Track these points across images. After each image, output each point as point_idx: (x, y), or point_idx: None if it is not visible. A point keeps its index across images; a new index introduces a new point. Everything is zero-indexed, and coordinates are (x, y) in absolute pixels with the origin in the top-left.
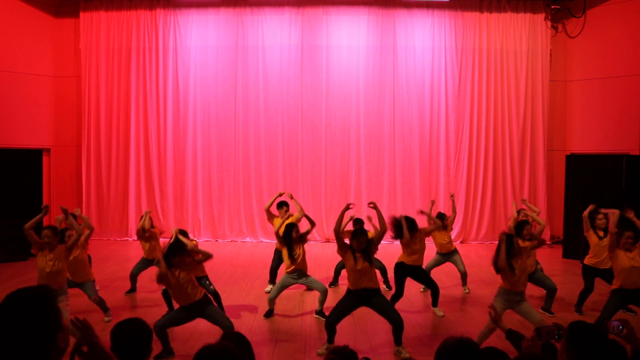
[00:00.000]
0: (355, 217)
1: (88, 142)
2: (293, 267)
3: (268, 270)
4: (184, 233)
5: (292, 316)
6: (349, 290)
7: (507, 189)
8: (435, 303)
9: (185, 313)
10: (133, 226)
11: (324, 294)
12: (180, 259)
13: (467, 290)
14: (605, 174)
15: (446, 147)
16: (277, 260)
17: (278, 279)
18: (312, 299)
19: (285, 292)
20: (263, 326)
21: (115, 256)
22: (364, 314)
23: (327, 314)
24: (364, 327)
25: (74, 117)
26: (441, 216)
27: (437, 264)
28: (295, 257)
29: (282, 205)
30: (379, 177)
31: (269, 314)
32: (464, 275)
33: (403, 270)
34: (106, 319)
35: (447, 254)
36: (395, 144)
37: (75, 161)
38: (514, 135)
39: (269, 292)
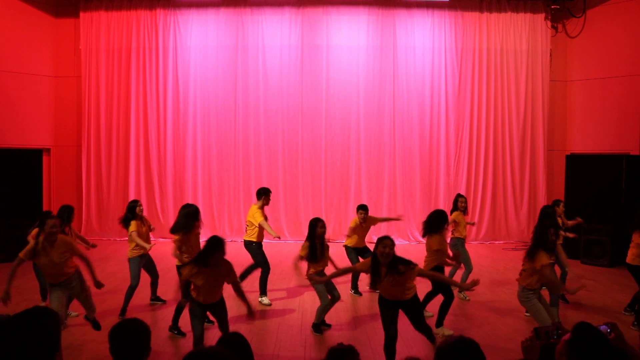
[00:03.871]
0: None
1: (88, 142)
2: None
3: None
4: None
5: (291, 316)
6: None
7: (507, 189)
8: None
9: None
10: None
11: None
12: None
13: (466, 297)
14: (605, 174)
15: (446, 147)
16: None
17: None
18: (313, 298)
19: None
20: (262, 326)
21: (115, 256)
22: (365, 315)
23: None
24: (364, 327)
25: (74, 117)
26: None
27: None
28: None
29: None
30: (379, 177)
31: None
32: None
33: None
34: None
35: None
36: (395, 144)
37: (75, 161)
38: (514, 135)
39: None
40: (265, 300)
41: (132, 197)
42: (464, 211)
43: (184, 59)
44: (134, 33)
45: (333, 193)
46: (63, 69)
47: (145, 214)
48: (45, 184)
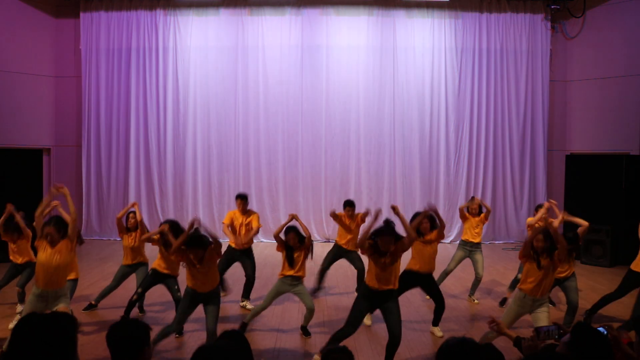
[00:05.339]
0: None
1: (88, 142)
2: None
3: (268, 270)
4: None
5: (291, 316)
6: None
7: (507, 189)
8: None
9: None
10: None
11: (311, 313)
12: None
13: (475, 301)
14: (605, 174)
15: (446, 147)
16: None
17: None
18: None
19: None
20: (262, 327)
21: (115, 256)
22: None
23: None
24: (363, 327)
25: (74, 117)
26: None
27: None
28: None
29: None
30: (379, 177)
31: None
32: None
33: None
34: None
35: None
36: (395, 144)
37: (75, 161)
38: (514, 135)
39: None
40: (247, 305)
41: (132, 197)
42: (476, 214)
43: (184, 59)
44: (134, 33)
45: (333, 193)
46: (63, 69)
47: (145, 214)
48: (45, 184)
